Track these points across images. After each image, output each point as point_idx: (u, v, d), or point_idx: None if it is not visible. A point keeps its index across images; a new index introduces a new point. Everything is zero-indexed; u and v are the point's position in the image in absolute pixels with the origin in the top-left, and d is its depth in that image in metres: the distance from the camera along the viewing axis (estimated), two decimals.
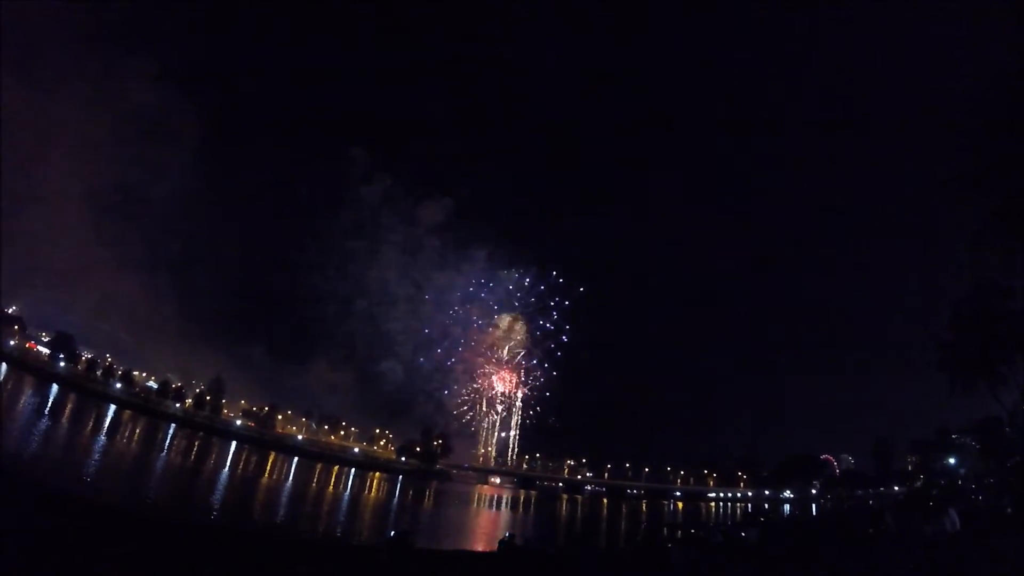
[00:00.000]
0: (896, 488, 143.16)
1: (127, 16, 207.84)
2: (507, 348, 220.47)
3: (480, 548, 54.35)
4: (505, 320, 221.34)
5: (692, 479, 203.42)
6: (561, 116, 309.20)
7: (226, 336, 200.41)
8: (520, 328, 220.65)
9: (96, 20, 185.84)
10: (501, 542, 30.14)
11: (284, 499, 76.87)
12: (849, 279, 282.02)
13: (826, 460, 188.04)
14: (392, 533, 32.40)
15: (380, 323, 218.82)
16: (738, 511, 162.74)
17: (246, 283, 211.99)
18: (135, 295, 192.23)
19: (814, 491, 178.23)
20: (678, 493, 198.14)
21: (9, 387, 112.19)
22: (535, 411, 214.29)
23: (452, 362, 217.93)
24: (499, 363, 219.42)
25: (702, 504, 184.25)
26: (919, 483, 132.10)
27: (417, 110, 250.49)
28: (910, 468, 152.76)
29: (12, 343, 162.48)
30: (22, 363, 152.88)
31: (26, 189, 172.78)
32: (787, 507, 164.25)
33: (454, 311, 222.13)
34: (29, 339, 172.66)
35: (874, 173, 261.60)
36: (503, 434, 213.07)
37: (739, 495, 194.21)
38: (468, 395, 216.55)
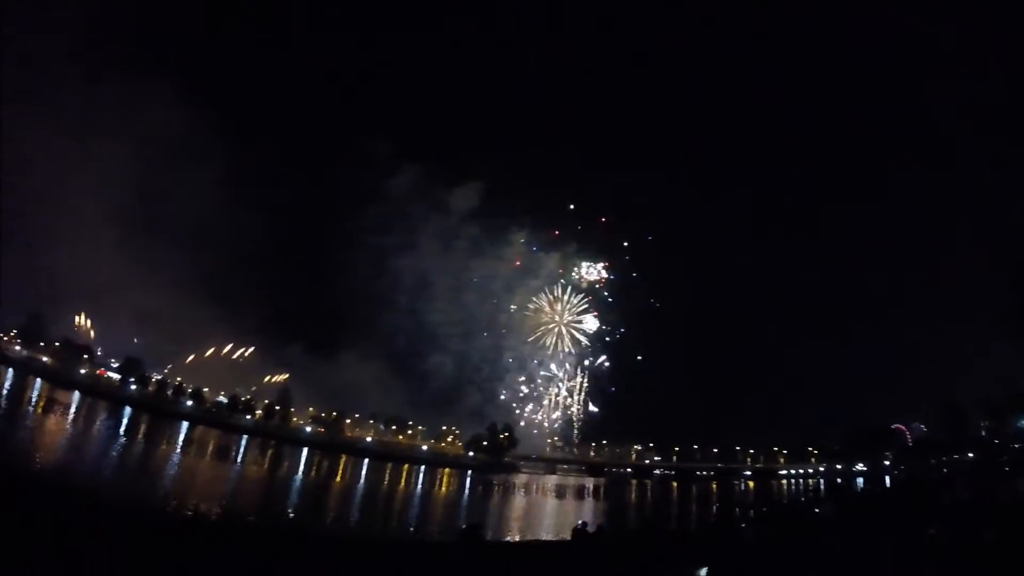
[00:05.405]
0: (971, 455, 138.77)
1: (139, 38, 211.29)
2: (557, 330, 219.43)
3: (551, 538, 54.99)
4: (551, 302, 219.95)
5: (762, 457, 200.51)
6: (587, 85, 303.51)
7: (273, 344, 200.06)
8: (568, 308, 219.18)
9: (108, 45, 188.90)
10: (574, 530, 30.74)
11: (357, 500, 79.22)
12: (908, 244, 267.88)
13: (897, 430, 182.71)
14: (463, 527, 33.27)
15: (422, 317, 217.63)
16: (810, 486, 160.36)
17: (283, 289, 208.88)
18: (181, 311, 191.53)
19: (887, 462, 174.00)
20: (748, 472, 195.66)
21: (84, 412, 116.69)
22: (596, 395, 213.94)
23: (502, 350, 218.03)
24: (551, 347, 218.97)
25: (773, 482, 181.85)
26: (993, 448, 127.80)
27: (437, 94, 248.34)
28: (983, 433, 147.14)
29: (83, 371, 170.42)
30: (94, 390, 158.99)
31: (56, 222, 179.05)
32: (860, 480, 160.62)
33: (497, 299, 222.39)
34: (99, 366, 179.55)
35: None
36: (566, 421, 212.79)
37: (810, 471, 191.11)
38: (523, 383, 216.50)
